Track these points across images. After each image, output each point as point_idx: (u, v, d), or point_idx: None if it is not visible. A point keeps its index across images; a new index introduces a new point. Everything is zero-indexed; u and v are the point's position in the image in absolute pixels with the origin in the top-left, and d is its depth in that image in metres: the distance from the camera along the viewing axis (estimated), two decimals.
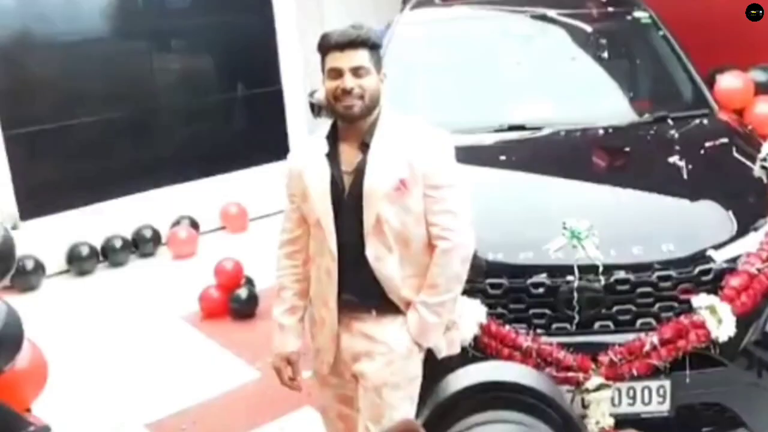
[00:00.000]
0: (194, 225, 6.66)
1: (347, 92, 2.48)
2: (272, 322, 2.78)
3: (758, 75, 4.78)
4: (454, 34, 4.72)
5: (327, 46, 2.52)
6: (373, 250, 2.53)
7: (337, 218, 2.55)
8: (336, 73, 2.50)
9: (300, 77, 7.13)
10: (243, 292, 5.20)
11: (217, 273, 5.28)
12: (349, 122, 2.56)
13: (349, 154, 2.58)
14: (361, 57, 2.50)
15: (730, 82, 4.57)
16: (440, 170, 2.55)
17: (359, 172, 2.54)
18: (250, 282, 5.33)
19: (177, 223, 6.59)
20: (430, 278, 2.56)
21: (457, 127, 3.90)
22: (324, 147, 2.59)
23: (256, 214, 6.90)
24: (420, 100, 4.44)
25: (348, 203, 2.55)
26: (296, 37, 7.17)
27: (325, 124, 2.70)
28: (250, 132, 7.22)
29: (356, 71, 2.49)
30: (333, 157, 2.58)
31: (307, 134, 6.92)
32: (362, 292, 2.57)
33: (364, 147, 2.55)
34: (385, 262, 2.54)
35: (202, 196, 6.77)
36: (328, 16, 7.56)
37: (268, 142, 6.92)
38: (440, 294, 2.56)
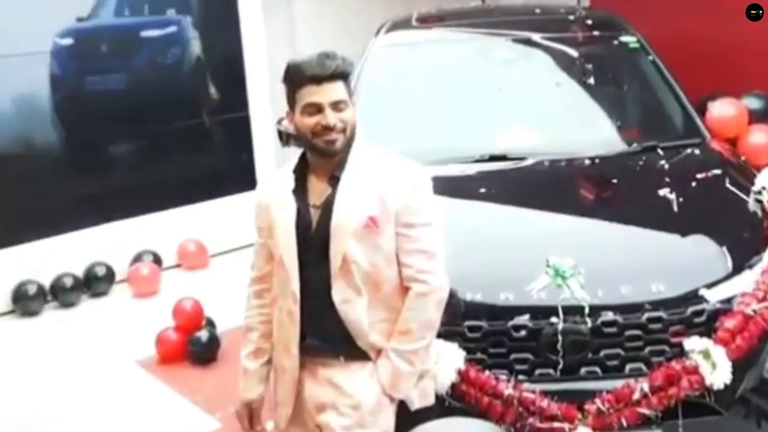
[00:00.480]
0: (157, 261, 6.62)
1: (329, 128, 2.47)
2: (239, 366, 2.77)
3: (752, 102, 4.84)
4: (432, 58, 4.75)
5: (301, 79, 2.48)
6: (339, 293, 2.50)
7: (301, 256, 2.53)
8: (314, 109, 2.47)
9: (268, 103, 7.13)
10: (203, 335, 5.14)
11: (176, 314, 5.22)
12: (328, 157, 2.54)
13: (318, 188, 2.57)
14: (340, 90, 2.49)
15: (722, 109, 4.62)
16: (414, 207, 2.54)
17: (328, 208, 2.52)
18: (210, 323, 5.28)
19: (138, 258, 6.54)
20: (402, 323, 2.53)
21: (435, 157, 3.95)
22: (291, 180, 2.59)
23: (218, 250, 6.87)
24: (396, 128, 4.43)
25: (314, 240, 2.52)
26: (265, 60, 7.18)
27: (295, 154, 2.70)
28: (214, 161, 7.21)
29: (336, 105, 2.48)
30: (301, 190, 2.57)
31: (275, 164, 6.95)
32: (328, 337, 2.54)
33: (334, 180, 2.54)
34: (353, 305, 2.51)
35: (161, 230, 6.72)
36: (299, 39, 7.60)
37: (233, 172, 6.91)
38: (413, 341, 2.53)
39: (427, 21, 5.13)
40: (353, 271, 2.49)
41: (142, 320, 5.70)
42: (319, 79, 2.46)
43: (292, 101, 2.53)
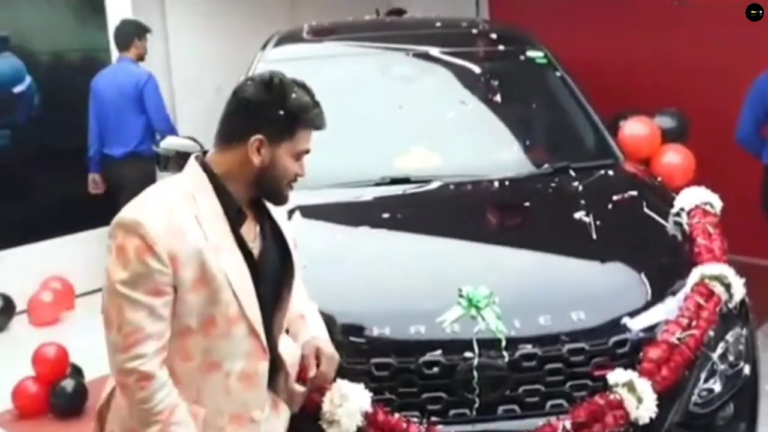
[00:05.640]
0: (9, 304, 6.39)
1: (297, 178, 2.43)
2: None
3: (665, 121, 4.99)
4: (326, 74, 4.70)
5: (311, 124, 2.39)
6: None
7: None
8: (302, 156, 2.41)
9: None
10: (68, 385, 4.97)
11: (36, 361, 5.02)
12: (276, 205, 2.52)
13: (248, 228, 2.44)
14: None
15: (635, 128, 4.74)
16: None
17: (267, 248, 2.49)
18: (77, 371, 5.13)
19: None
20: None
21: (332, 181, 3.96)
22: (220, 216, 2.34)
23: (84, 289, 6.69)
24: None
25: (264, 286, 2.44)
26: None
27: (200, 188, 2.35)
28: (79, 188, 6.95)
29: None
30: (236, 229, 2.41)
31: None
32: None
33: (260, 218, 2.49)
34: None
35: (17, 268, 6.47)
36: (174, 52, 7.53)
37: (101, 201, 6.69)
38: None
39: (319, 34, 5.13)
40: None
41: None
42: (319, 130, 2.43)
43: (282, 136, 2.35)
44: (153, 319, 2.22)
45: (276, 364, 2.53)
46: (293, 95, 2.34)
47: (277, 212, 2.57)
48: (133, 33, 6.65)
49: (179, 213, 2.27)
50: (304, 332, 2.70)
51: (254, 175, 2.36)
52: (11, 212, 6.55)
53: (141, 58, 6.70)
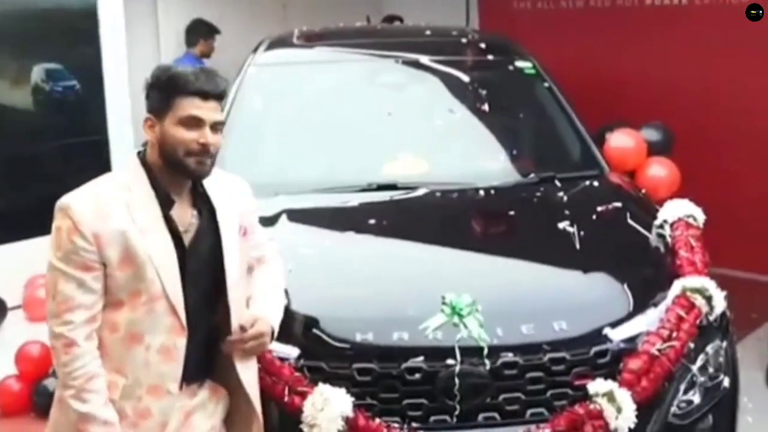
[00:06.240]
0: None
1: (205, 149, 2.49)
2: (85, 423, 2.50)
3: (651, 134, 5.00)
4: (315, 79, 4.74)
5: (186, 88, 2.48)
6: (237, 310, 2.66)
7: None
8: (195, 124, 2.48)
9: (129, 124, 6.94)
10: (50, 383, 4.87)
11: (19, 360, 4.97)
12: (190, 178, 2.57)
13: (180, 211, 2.58)
14: (220, 111, 2.57)
15: (621, 141, 4.74)
16: (253, 208, 2.83)
17: (202, 231, 2.60)
18: None
19: None
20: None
21: (319, 186, 3.97)
22: (152, 202, 2.53)
23: None
24: (275, 154, 4.40)
25: (192, 266, 2.56)
26: (126, 75, 7.00)
27: (125, 170, 2.59)
28: (64, 189, 6.92)
29: (216, 126, 2.53)
30: (166, 214, 2.56)
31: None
32: (204, 366, 2.68)
33: (198, 200, 2.62)
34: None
35: (5, 267, 6.40)
36: (165, 55, 7.51)
37: None
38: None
39: (310, 39, 5.12)
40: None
41: None
42: (207, 95, 2.50)
43: (162, 108, 2.50)
44: (82, 291, 2.44)
45: (215, 339, 2.67)
46: (170, 74, 2.51)
47: (225, 197, 2.67)
48: (201, 32, 7.27)
49: (108, 199, 2.48)
50: (249, 310, 2.76)
51: (159, 155, 2.51)
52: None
53: (205, 55, 7.39)
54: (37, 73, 6.82)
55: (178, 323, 2.52)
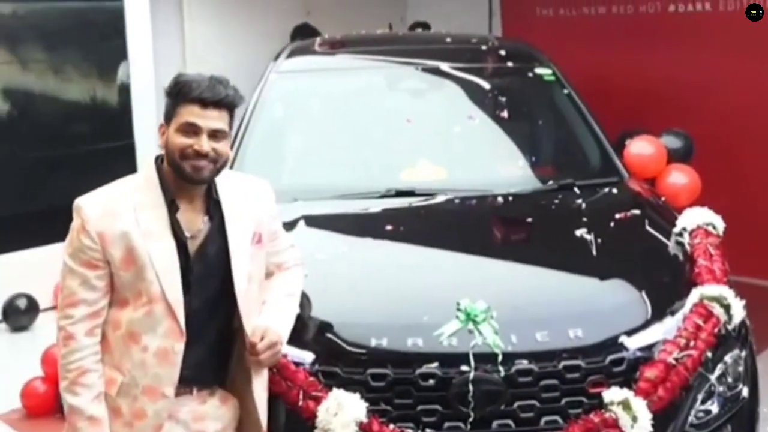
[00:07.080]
0: (32, 303, 6.40)
1: (201, 155, 2.51)
2: (72, 415, 2.57)
3: (671, 141, 4.95)
4: (336, 86, 4.73)
5: (187, 96, 2.52)
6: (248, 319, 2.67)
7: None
8: (191, 130, 2.51)
9: (155, 130, 6.97)
10: None
11: (45, 362, 4.99)
12: (191, 183, 2.59)
13: (190, 216, 2.60)
14: (222, 120, 2.57)
15: (641, 148, 4.70)
16: (275, 213, 2.84)
17: (211, 237, 2.61)
18: None
19: (12, 301, 6.34)
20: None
21: (338, 192, 3.97)
22: (159, 206, 2.57)
23: None
24: (293, 161, 4.40)
25: (198, 271, 2.58)
26: (152, 80, 7.05)
27: (150, 182, 2.61)
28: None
29: (214, 134, 2.55)
30: (172, 218, 2.58)
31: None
32: (211, 371, 2.69)
33: (211, 206, 2.63)
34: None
35: (39, 268, 6.44)
36: (190, 57, 7.54)
37: None
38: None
39: (331, 46, 5.12)
40: (253, 290, 2.69)
41: (5, 369, 5.44)
42: (205, 102, 2.52)
43: (170, 115, 2.56)
44: (85, 288, 2.52)
45: (226, 347, 2.72)
46: (180, 82, 2.55)
47: (239, 204, 2.68)
48: (304, 36, 7.19)
49: (117, 200, 2.55)
50: (259, 319, 2.76)
51: (168, 159, 2.56)
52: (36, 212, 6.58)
53: None
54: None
55: (177, 327, 2.54)
